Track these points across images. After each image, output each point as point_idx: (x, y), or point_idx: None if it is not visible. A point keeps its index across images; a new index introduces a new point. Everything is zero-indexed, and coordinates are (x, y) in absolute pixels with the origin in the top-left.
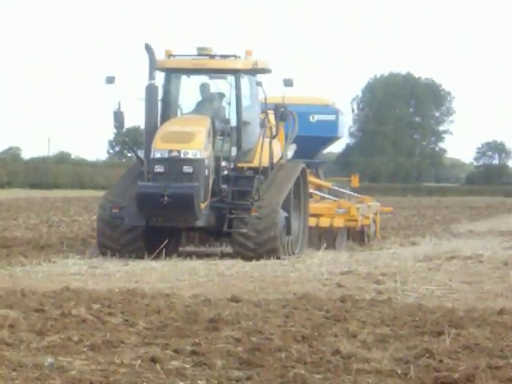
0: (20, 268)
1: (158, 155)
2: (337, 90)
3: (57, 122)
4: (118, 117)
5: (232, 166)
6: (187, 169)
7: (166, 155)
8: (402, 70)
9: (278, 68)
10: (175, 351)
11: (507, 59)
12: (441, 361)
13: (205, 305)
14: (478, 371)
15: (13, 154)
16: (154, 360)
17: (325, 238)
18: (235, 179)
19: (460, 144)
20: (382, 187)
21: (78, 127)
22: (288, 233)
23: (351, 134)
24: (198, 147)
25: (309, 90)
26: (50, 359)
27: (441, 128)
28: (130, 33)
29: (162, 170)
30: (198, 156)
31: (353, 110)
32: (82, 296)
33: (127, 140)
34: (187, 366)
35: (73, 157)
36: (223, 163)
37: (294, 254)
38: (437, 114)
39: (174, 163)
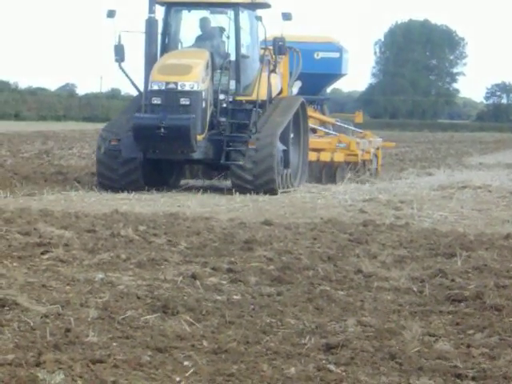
0: (74, 193)
1: (155, 87)
2: (361, 34)
3: (109, 62)
4: (119, 50)
5: (231, 99)
6: (184, 101)
7: (163, 87)
8: (420, 17)
9: (296, 7)
10: (213, 269)
11: None
12: (453, 280)
13: (240, 227)
14: (486, 289)
15: (69, 90)
16: (193, 276)
17: (325, 172)
18: (233, 112)
19: (472, 85)
20: (401, 123)
21: (129, 66)
22: (286, 166)
23: (373, 76)
24: (195, 79)
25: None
26: (100, 275)
27: (454, 70)
28: None
29: (158, 102)
30: (195, 88)
31: (375, 53)
32: (129, 218)
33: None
34: (224, 282)
35: (123, 93)
36: (222, 96)
37: (292, 186)
38: (451, 57)
39: (170, 95)
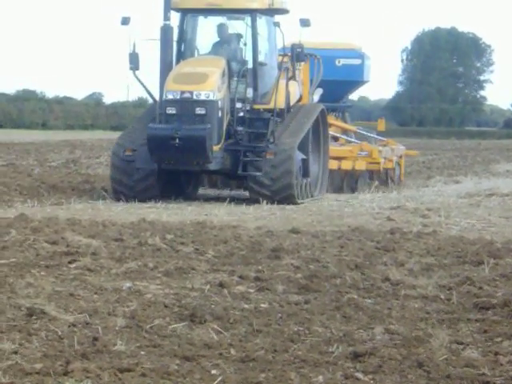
0: (101, 202)
1: (170, 96)
2: (388, 42)
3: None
4: (134, 58)
5: (248, 107)
6: (199, 110)
7: (178, 96)
8: (447, 25)
9: (322, 14)
10: (240, 277)
11: None
12: (480, 287)
13: (267, 236)
14: None
15: (96, 99)
16: (221, 285)
17: (347, 181)
18: (250, 121)
19: (499, 92)
20: (428, 131)
21: (156, 76)
22: (305, 175)
23: (400, 84)
24: (210, 88)
25: (359, 40)
26: (127, 283)
27: (481, 77)
28: None
29: (173, 112)
30: (211, 97)
31: (402, 61)
32: (157, 227)
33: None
34: (251, 290)
35: (150, 102)
36: (239, 105)
37: (312, 196)
38: (478, 64)
39: (186, 105)
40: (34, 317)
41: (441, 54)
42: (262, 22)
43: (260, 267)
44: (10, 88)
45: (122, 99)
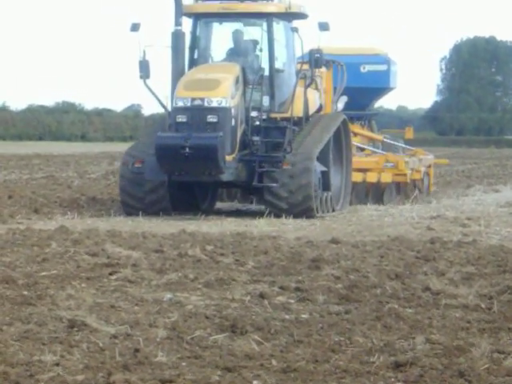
0: (141, 213)
1: (180, 104)
2: (427, 51)
3: None
4: (144, 66)
5: (264, 116)
6: (211, 118)
7: (189, 104)
8: (486, 34)
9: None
10: (281, 288)
11: None
12: None
13: (307, 246)
14: None
15: (134, 111)
16: (261, 296)
17: (372, 193)
18: (266, 130)
19: None
20: (467, 140)
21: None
22: (326, 188)
23: (438, 93)
24: (223, 95)
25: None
26: (168, 295)
27: None
28: None
29: (184, 120)
30: (224, 104)
31: (441, 70)
32: (197, 238)
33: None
34: (292, 301)
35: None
36: (254, 114)
37: (334, 210)
38: None
39: (196, 112)
40: (75, 328)
41: (479, 62)
42: (279, 27)
43: (300, 277)
44: (50, 100)
45: (161, 111)
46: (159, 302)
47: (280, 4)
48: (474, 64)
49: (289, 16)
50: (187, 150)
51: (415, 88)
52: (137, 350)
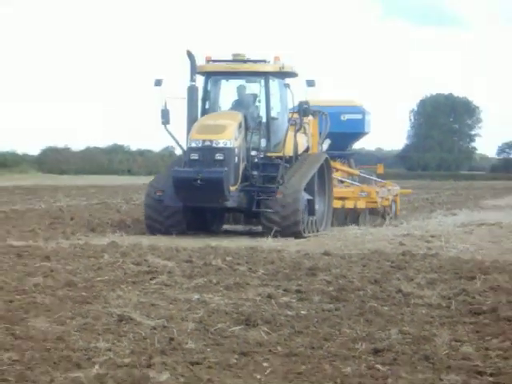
0: (175, 232)
1: (193, 144)
2: (400, 104)
3: None
4: (165, 114)
5: (262, 155)
6: (218, 156)
7: (200, 144)
8: (446, 91)
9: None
10: (285, 290)
11: None
12: (473, 297)
13: (305, 257)
14: (500, 305)
15: (169, 151)
16: (269, 296)
17: (350, 217)
18: (263, 166)
19: (486, 143)
20: (431, 174)
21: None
22: (311, 213)
23: (408, 137)
24: (228, 137)
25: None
26: (196, 295)
27: (472, 132)
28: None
29: (196, 158)
30: (228, 145)
31: (410, 119)
32: (219, 251)
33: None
34: (293, 300)
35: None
36: (253, 153)
37: (318, 231)
38: (469, 122)
39: (207, 151)
40: (123, 322)
41: (440, 114)
42: (274, 83)
43: (300, 282)
44: (103, 142)
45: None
46: (189, 301)
47: (275, 65)
48: (436, 115)
49: (282, 75)
50: (199, 181)
51: (390, 133)
52: (171, 339)
